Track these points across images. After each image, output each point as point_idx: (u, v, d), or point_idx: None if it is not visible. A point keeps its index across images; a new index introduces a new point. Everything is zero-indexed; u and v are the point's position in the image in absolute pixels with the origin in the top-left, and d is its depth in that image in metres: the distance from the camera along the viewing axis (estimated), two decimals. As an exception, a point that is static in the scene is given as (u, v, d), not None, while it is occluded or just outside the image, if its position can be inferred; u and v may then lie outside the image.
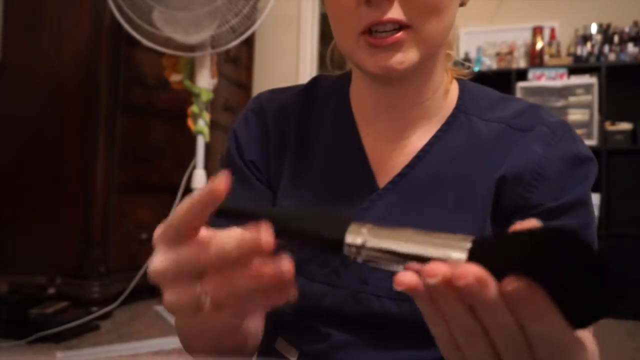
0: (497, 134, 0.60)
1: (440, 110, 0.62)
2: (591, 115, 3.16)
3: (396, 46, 0.53)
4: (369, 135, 0.63)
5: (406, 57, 0.53)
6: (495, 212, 0.58)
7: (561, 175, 0.57)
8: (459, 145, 0.60)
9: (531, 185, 0.57)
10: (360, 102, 0.65)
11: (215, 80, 2.25)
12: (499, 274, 0.28)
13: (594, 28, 3.36)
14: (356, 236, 0.32)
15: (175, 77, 2.24)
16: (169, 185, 2.50)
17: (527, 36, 3.49)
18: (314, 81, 0.70)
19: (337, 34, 0.57)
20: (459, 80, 0.65)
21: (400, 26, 0.52)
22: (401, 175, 0.60)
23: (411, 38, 0.53)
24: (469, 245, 0.29)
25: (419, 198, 0.59)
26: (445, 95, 0.62)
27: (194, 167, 2.21)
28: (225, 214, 0.33)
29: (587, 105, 3.17)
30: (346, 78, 0.68)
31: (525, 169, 0.57)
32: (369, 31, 0.53)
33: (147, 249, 2.59)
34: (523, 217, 0.54)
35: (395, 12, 0.52)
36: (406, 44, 0.53)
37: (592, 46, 3.32)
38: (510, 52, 3.48)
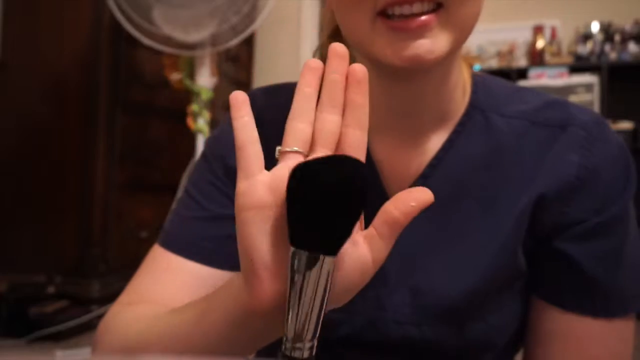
0: (520, 132, 0.53)
1: (458, 112, 0.55)
2: (592, 114, 3.16)
3: (423, 30, 0.44)
4: (377, 143, 0.55)
5: (436, 44, 0.44)
6: (530, 232, 0.52)
7: (604, 185, 0.51)
8: (478, 149, 0.54)
9: (570, 200, 0.51)
10: None
11: (215, 79, 2.24)
12: None
13: (595, 27, 3.36)
14: None
15: (175, 76, 2.24)
16: (168, 184, 2.49)
17: (527, 35, 3.49)
18: None
19: (346, 19, 0.47)
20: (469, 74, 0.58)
21: (430, 6, 0.43)
22: (415, 186, 0.53)
23: (442, 21, 0.44)
24: None
25: (438, 211, 0.49)
26: (464, 94, 0.55)
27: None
28: None
29: (588, 105, 3.17)
30: None
31: (562, 183, 0.51)
32: (386, 14, 0.44)
33: (146, 248, 2.57)
34: (565, 235, 0.51)
35: None
36: (435, 28, 0.44)
37: (593, 45, 3.32)
38: (511, 51, 3.48)
